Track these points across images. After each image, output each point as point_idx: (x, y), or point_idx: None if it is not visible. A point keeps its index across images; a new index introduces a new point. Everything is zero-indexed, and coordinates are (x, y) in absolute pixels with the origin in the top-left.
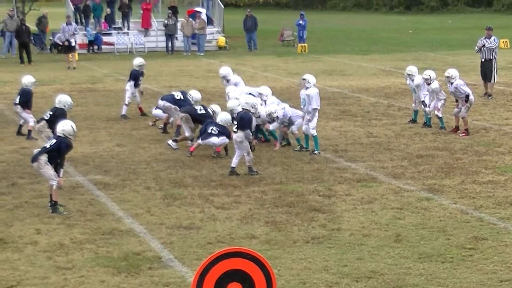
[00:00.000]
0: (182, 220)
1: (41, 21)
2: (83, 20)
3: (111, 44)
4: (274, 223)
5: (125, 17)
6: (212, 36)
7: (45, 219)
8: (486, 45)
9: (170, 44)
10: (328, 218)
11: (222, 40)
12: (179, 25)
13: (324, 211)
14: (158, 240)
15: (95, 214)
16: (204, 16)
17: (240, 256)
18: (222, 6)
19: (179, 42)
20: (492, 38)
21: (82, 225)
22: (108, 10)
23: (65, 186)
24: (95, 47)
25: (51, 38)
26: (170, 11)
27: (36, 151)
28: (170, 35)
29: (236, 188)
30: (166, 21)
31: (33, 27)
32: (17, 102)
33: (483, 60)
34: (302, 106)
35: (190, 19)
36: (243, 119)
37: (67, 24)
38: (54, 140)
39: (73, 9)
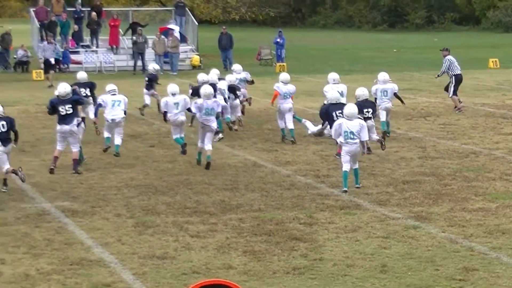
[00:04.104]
0: (155, 249)
1: (4, 38)
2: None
3: (79, 62)
4: (252, 253)
5: (94, 34)
6: (186, 55)
7: (9, 248)
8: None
9: (139, 63)
10: (310, 248)
11: (196, 59)
12: (150, 43)
13: (305, 240)
14: (129, 271)
15: (62, 243)
16: (177, 34)
17: None
18: (196, 23)
19: (150, 61)
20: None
21: (49, 255)
22: (76, 27)
23: (31, 214)
24: (63, 65)
25: (15, 56)
26: (139, 28)
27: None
28: (139, 53)
29: (212, 216)
30: (134, 38)
31: None
32: None
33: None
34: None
35: (163, 36)
36: None
37: (48, 42)
38: (69, 105)
39: (38, 26)
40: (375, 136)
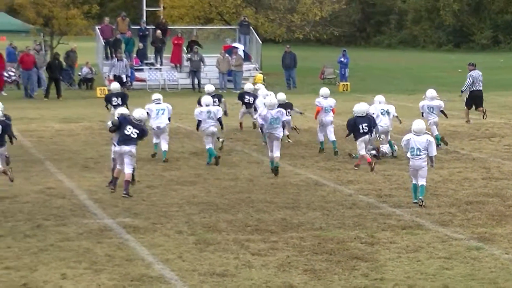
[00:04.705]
0: (216, 266)
1: (69, 56)
2: (113, 55)
3: (143, 80)
4: (313, 272)
5: (158, 52)
6: (249, 73)
7: (71, 263)
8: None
9: (196, 81)
10: (371, 267)
11: (259, 77)
12: (214, 61)
13: (366, 259)
14: None
15: (124, 259)
16: (241, 52)
17: None
18: (260, 42)
19: (214, 80)
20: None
21: (110, 270)
22: (141, 45)
23: (93, 229)
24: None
25: (79, 73)
26: (196, 46)
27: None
28: (194, 72)
29: (273, 234)
30: (189, 56)
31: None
32: None
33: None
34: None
35: (227, 55)
36: None
37: (117, 59)
38: (137, 130)
39: (103, 43)
40: (373, 152)
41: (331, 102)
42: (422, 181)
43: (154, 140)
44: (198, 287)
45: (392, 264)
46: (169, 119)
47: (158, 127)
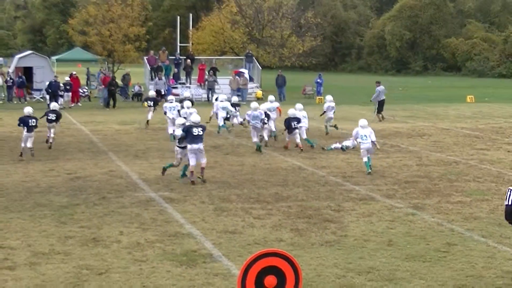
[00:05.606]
0: (228, 226)
1: (125, 77)
2: (156, 77)
3: (177, 95)
4: (297, 230)
5: (188, 75)
6: (252, 90)
7: (126, 224)
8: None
9: (210, 95)
10: (338, 227)
11: (259, 93)
12: (227, 81)
13: (334, 221)
14: (210, 241)
15: (163, 221)
16: (246, 75)
17: (275, 255)
18: (260, 68)
19: (227, 95)
20: (382, 87)
21: (153, 229)
22: (175, 70)
23: (142, 200)
24: (166, 96)
25: (132, 90)
26: (211, 70)
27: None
28: (210, 89)
29: (269, 203)
30: (206, 78)
31: (119, 82)
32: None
33: (383, 99)
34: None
35: (237, 77)
36: None
37: (159, 79)
38: (201, 128)
39: (149, 69)
40: (298, 140)
41: (274, 105)
42: (370, 155)
43: (170, 131)
44: (216, 241)
45: (353, 225)
46: (179, 112)
47: (172, 118)
